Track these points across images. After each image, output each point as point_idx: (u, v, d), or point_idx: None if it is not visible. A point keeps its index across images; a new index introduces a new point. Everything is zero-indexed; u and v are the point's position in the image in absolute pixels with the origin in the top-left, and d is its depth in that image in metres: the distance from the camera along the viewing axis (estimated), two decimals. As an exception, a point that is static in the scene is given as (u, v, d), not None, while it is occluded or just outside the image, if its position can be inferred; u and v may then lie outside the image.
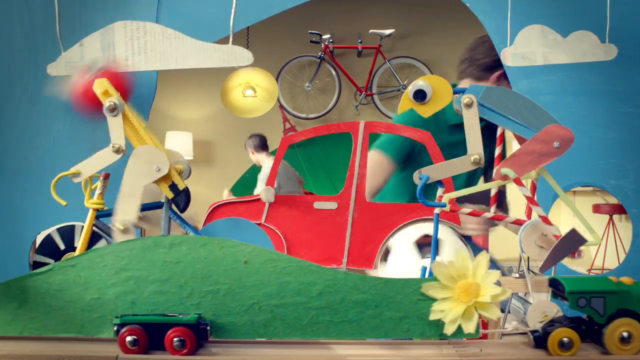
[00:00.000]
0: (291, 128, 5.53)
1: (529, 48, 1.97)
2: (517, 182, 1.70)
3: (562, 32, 2.01)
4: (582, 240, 1.58)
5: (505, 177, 1.73)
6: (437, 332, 1.46)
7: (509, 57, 2.00)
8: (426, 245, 2.56)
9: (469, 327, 1.42)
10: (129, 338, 1.44)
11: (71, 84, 1.82)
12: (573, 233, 1.59)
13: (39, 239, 2.19)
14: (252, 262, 1.51)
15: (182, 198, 1.84)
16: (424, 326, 1.47)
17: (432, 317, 1.46)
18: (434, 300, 1.47)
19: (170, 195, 1.83)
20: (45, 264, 2.11)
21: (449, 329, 1.43)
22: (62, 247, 2.15)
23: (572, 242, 1.59)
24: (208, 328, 1.46)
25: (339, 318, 1.48)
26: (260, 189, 3.62)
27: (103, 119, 1.86)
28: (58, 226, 2.18)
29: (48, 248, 2.14)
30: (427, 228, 2.94)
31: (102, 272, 1.53)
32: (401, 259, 2.07)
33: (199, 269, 1.51)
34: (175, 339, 1.43)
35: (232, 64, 1.69)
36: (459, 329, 1.42)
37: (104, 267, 1.53)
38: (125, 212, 1.72)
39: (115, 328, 1.47)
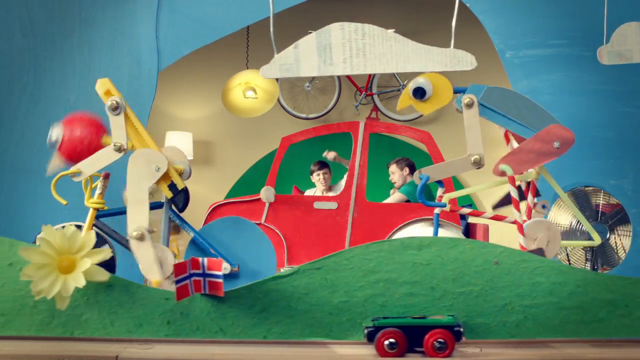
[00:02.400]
0: (375, 118, 5.48)
1: (625, 46, 1.95)
2: (511, 180, 1.70)
3: None
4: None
5: (503, 174, 1.73)
6: None
7: (605, 55, 1.98)
8: None
9: None
10: (386, 342, 1.42)
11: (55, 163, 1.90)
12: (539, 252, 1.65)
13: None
14: (503, 262, 1.51)
15: (180, 198, 1.84)
16: None
17: None
18: None
19: (169, 194, 1.83)
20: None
21: None
22: None
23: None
24: (461, 330, 1.44)
25: (589, 318, 1.49)
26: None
27: (105, 118, 1.87)
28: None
29: None
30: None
31: (349, 275, 1.52)
32: None
33: (450, 270, 1.51)
34: (435, 342, 1.41)
35: (455, 68, 1.68)
36: None
37: (351, 270, 1.52)
38: (136, 220, 1.71)
39: (365, 331, 1.44)
